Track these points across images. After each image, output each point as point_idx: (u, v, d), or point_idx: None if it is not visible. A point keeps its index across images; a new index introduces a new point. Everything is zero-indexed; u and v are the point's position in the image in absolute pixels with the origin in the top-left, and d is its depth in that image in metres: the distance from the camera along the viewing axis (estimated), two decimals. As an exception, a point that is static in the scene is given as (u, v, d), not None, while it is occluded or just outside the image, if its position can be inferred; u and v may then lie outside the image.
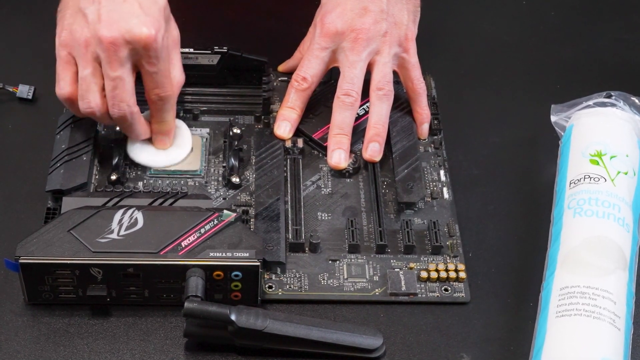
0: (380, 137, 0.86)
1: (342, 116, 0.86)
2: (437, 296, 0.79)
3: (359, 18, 0.86)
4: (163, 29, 0.78)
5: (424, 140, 0.90)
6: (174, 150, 0.85)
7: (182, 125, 0.87)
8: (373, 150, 0.86)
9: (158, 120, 0.83)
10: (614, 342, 0.72)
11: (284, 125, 0.88)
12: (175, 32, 0.82)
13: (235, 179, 0.84)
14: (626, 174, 0.81)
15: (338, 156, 0.86)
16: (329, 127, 0.87)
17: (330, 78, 0.91)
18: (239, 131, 0.87)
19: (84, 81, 0.79)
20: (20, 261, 0.73)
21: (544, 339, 0.73)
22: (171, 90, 0.81)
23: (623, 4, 1.07)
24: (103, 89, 0.79)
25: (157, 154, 0.85)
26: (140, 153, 0.85)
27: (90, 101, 0.79)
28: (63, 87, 0.80)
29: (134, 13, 0.77)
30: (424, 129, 0.90)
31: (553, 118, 0.88)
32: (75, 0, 0.79)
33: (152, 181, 0.84)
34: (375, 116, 0.86)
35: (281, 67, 0.94)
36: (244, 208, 0.83)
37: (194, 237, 0.75)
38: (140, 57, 0.78)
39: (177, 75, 0.82)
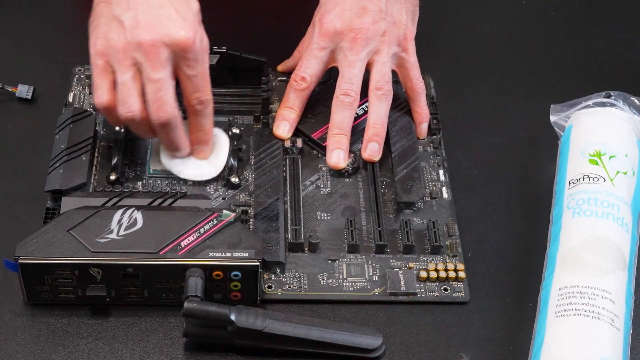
0: (379, 137, 0.86)
1: (341, 116, 0.86)
2: (437, 296, 0.79)
3: (358, 18, 0.86)
4: (200, 32, 0.78)
5: (423, 140, 0.90)
6: (215, 158, 0.85)
7: (218, 131, 0.86)
8: (372, 150, 0.86)
9: (198, 129, 0.82)
10: (613, 342, 0.72)
11: (283, 125, 0.88)
12: (205, 39, 0.80)
13: (234, 179, 0.84)
14: (625, 174, 0.81)
15: (337, 156, 0.86)
16: (328, 127, 0.87)
17: (329, 78, 0.91)
18: (238, 131, 0.87)
19: (124, 86, 0.77)
20: (20, 261, 0.73)
21: (543, 339, 0.73)
22: (210, 94, 0.81)
23: (623, 4, 1.07)
24: (143, 94, 0.78)
25: (201, 166, 0.84)
26: (185, 167, 0.84)
27: (132, 105, 0.78)
28: (101, 95, 0.78)
29: (171, 17, 0.77)
30: (423, 128, 0.90)
31: (552, 118, 0.88)
32: (108, 9, 0.78)
33: (151, 181, 0.84)
34: (374, 116, 0.86)
35: (280, 67, 0.94)
36: (243, 208, 0.83)
37: (193, 237, 0.75)
38: (179, 61, 0.77)
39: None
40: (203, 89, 0.80)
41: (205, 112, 0.82)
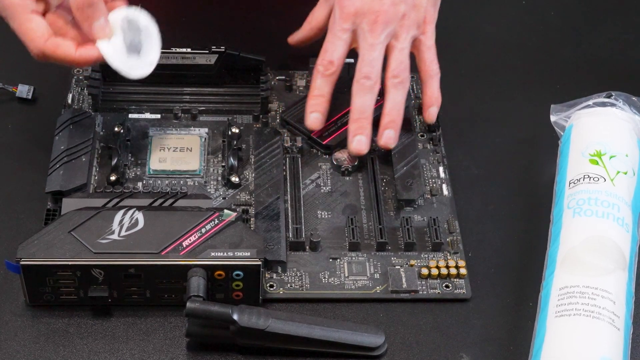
0: (396, 124, 0.84)
1: (362, 99, 0.84)
2: (438, 293, 0.79)
3: None
4: None
5: (431, 124, 0.89)
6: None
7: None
8: (388, 137, 0.84)
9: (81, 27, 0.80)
10: (613, 342, 0.72)
11: (314, 117, 0.86)
12: None
13: (234, 179, 0.84)
14: (626, 173, 0.81)
15: (359, 142, 0.83)
16: (327, 125, 0.87)
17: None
18: (237, 130, 0.87)
19: None
20: (22, 263, 0.73)
21: (544, 339, 0.73)
22: (35, 45, 0.79)
23: (623, 4, 1.07)
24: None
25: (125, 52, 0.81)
26: (124, 59, 0.81)
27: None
28: None
29: None
30: (431, 112, 0.88)
31: (553, 118, 0.88)
32: None
33: (151, 181, 0.84)
34: (390, 103, 0.84)
35: (291, 39, 0.93)
36: (243, 207, 0.83)
37: (195, 237, 0.75)
38: None
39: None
40: (30, 46, 0.79)
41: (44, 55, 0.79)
